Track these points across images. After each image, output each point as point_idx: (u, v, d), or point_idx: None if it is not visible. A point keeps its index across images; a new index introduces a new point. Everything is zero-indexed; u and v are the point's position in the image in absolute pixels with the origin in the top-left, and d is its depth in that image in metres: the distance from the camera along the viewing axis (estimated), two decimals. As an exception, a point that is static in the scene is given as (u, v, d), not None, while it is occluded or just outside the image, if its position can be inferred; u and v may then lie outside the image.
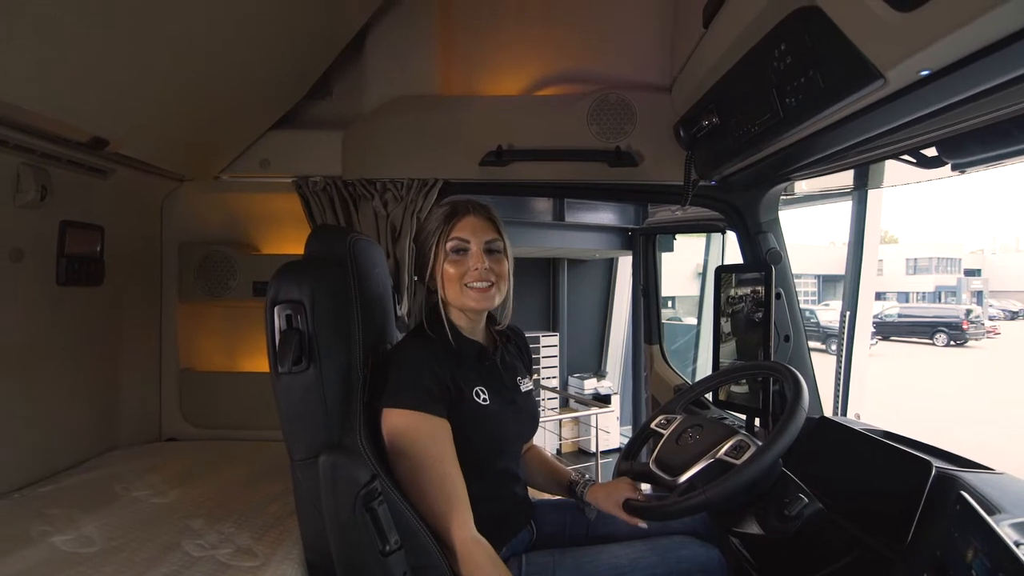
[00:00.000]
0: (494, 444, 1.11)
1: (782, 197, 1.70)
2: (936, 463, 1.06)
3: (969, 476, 1.02)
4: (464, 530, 0.98)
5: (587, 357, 6.38)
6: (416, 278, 1.16)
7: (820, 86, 0.93)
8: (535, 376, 5.52)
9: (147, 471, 1.44)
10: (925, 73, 0.79)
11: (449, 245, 1.08)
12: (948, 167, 1.25)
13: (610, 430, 5.46)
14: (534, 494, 1.28)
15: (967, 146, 1.14)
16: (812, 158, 1.33)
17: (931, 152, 1.25)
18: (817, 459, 1.31)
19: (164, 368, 1.84)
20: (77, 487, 1.33)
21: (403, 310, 1.63)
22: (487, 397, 1.09)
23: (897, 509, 1.05)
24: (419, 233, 1.17)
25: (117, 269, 1.62)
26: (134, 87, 1.22)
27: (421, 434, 0.99)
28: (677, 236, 2.81)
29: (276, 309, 0.92)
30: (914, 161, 1.32)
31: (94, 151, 1.35)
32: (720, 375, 1.41)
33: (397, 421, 0.99)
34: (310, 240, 1.08)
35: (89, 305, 1.54)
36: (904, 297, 22.66)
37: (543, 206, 4.52)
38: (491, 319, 1.20)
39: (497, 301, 1.11)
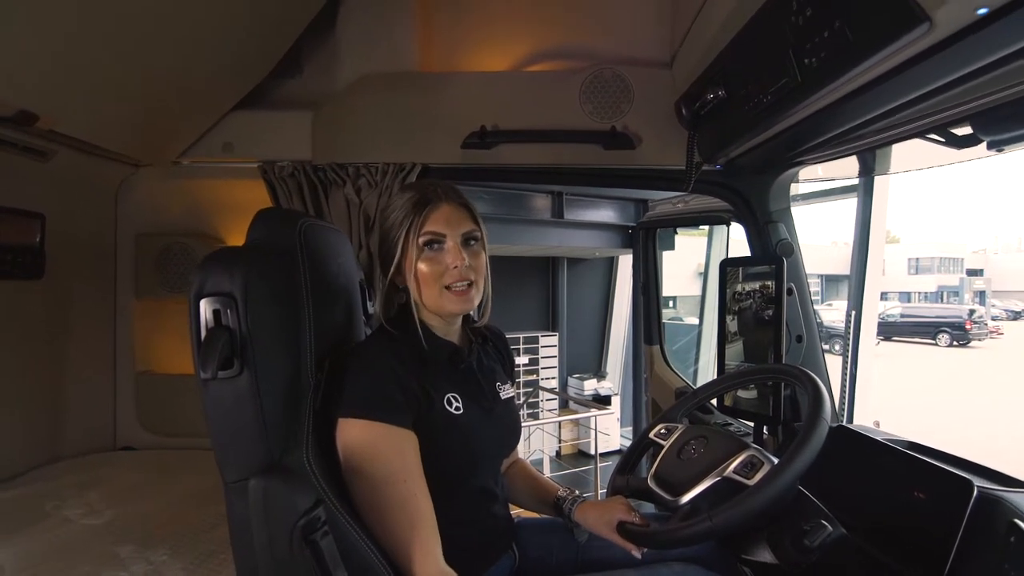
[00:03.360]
0: (469, 459, 0.97)
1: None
2: (977, 482, 0.92)
3: (1018, 498, 0.89)
4: (430, 562, 0.84)
5: (587, 357, 6.26)
6: (380, 274, 1.02)
7: (848, 39, 0.79)
8: (535, 377, 5.41)
9: (88, 485, 1.30)
10: (983, 12, 0.65)
11: (422, 240, 0.94)
12: (983, 146, 1.12)
13: (610, 432, 5.35)
14: (519, 512, 1.14)
15: (1007, 120, 1.01)
16: (828, 135, 1.19)
17: (962, 131, 1.13)
18: (833, 474, 1.17)
19: (119, 370, 1.70)
20: (3, 505, 1.19)
21: (376, 307, 1.49)
22: (460, 405, 0.95)
23: (931, 535, 0.93)
24: (383, 222, 1.02)
25: (63, 261, 1.48)
26: (68, 55, 1.07)
27: (382, 448, 0.85)
28: (679, 232, 2.68)
29: (202, 303, 0.78)
30: (943, 140, 1.19)
31: (23, 127, 1.21)
32: (728, 379, 1.27)
33: (354, 433, 0.85)
34: (253, 225, 0.93)
35: (27, 300, 1.40)
36: (906, 297, 22.54)
37: (541, 203, 4.40)
38: (467, 317, 1.07)
39: (477, 301, 0.98)
